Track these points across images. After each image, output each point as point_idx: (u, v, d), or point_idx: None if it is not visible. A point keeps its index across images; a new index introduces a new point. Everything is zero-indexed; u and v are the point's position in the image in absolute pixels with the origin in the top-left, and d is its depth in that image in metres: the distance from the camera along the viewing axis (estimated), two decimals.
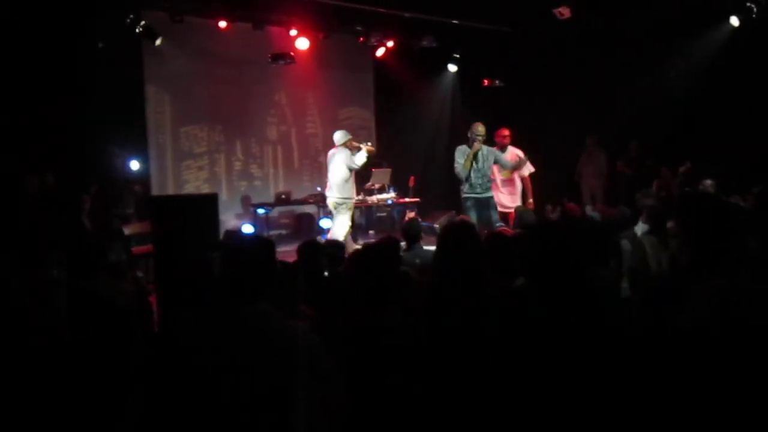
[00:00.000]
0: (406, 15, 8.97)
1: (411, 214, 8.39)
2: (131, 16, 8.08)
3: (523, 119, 8.91)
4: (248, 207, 9.67)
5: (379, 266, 2.62)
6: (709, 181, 6.40)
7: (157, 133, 9.22)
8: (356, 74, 10.89)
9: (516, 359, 1.87)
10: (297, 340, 1.90)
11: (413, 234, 4.79)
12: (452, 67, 10.76)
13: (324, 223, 8.85)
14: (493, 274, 2.78)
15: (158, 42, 8.39)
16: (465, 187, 6.66)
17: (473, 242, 2.67)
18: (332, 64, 10.33)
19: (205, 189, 9.34)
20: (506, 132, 7.30)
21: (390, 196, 9.33)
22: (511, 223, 6.57)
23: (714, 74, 7.83)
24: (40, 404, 1.82)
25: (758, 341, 1.71)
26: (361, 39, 9.77)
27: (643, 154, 8.67)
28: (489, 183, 6.74)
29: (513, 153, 7.28)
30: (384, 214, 10.24)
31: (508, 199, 7.35)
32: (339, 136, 7.48)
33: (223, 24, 8.87)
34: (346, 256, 4.30)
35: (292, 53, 9.20)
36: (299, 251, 4.00)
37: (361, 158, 7.29)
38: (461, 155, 6.61)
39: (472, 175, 6.56)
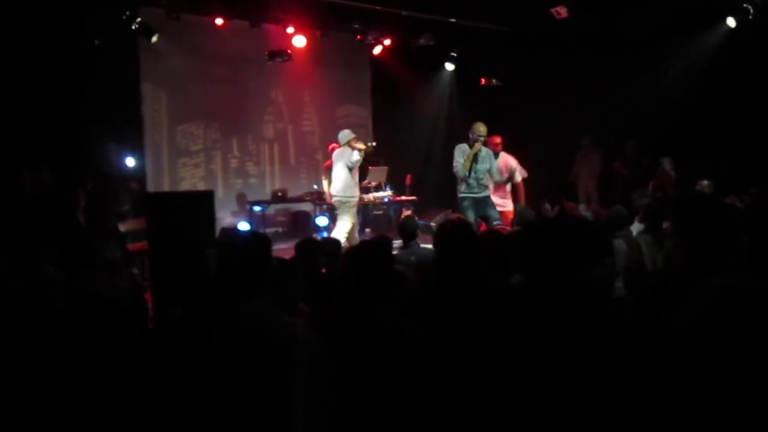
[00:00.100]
0: (404, 13, 8.96)
1: (407, 212, 8.38)
2: (127, 12, 8.05)
3: (520, 119, 8.93)
4: (244, 204, 9.66)
5: (370, 264, 2.62)
6: (706, 182, 6.42)
7: (153, 131, 9.19)
8: (353, 72, 10.88)
9: (514, 357, 1.87)
10: (294, 337, 1.90)
11: (409, 232, 4.79)
12: (449, 66, 10.75)
13: (320, 220, 8.85)
14: (490, 271, 2.78)
15: (154, 39, 8.36)
16: (462, 187, 6.66)
17: (469, 240, 2.67)
18: (329, 62, 10.31)
19: (202, 186, 9.33)
20: (498, 140, 7.30)
21: (386, 194, 9.33)
22: (505, 221, 6.61)
23: (711, 75, 7.85)
24: (37, 403, 1.81)
25: (754, 342, 1.72)
26: (359, 37, 9.75)
27: (639, 154, 8.69)
28: (487, 182, 6.75)
29: (505, 160, 7.30)
30: (380, 212, 10.24)
31: (499, 201, 7.38)
32: (342, 136, 7.52)
33: (219, 21, 8.84)
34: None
35: (288, 51, 9.18)
36: (297, 248, 4.00)
37: (354, 156, 7.31)
38: (461, 154, 6.60)
39: (470, 174, 6.56)
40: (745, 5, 7.61)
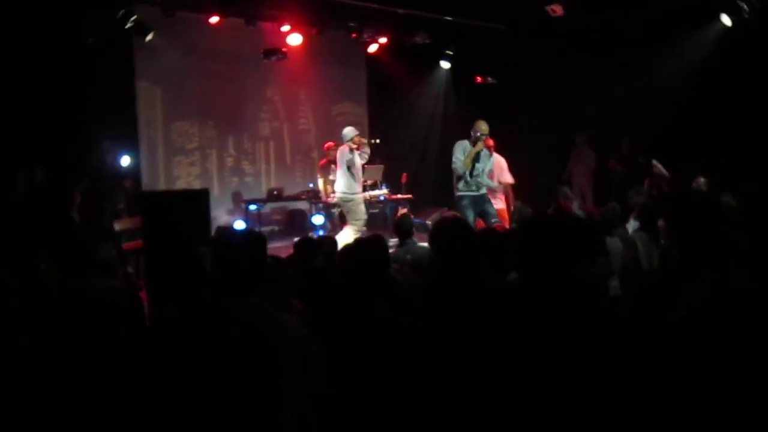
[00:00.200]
0: (399, 11, 8.95)
1: (403, 211, 8.39)
2: (122, 11, 8.02)
3: (515, 117, 8.94)
4: (240, 203, 9.64)
5: (366, 262, 2.61)
6: (702, 179, 6.45)
7: (148, 129, 9.16)
8: (349, 70, 10.87)
9: (512, 356, 1.87)
10: (288, 333, 1.90)
11: (405, 230, 4.79)
12: (445, 64, 10.75)
13: (316, 219, 8.85)
14: (487, 269, 2.78)
15: (149, 37, 8.33)
16: (460, 185, 6.64)
17: (466, 238, 2.67)
18: (325, 60, 10.30)
19: (197, 185, 9.30)
20: (490, 142, 7.31)
21: (382, 192, 9.33)
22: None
23: (706, 73, 7.87)
24: (31, 404, 1.81)
25: (748, 339, 1.72)
26: (354, 35, 9.74)
27: (634, 152, 8.71)
28: (484, 181, 6.76)
29: (498, 162, 7.31)
30: (376, 210, 10.23)
31: (492, 200, 7.40)
32: (345, 132, 7.54)
33: (215, 19, 8.82)
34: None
35: (284, 49, 9.16)
36: (296, 247, 4.00)
37: (347, 155, 7.36)
38: (462, 151, 6.59)
39: (471, 172, 6.57)
40: (739, 3, 7.63)
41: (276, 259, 2.94)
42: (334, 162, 8.96)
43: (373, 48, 10.17)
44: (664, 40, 8.24)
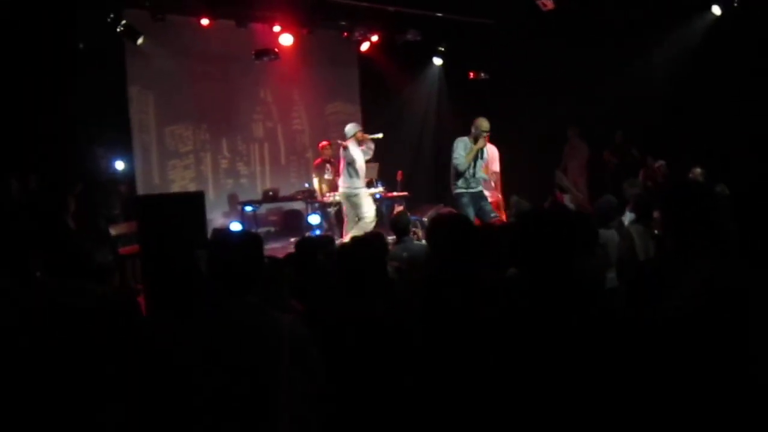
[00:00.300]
0: (390, 9, 8.94)
1: (399, 208, 8.40)
2: (111, 15, 7.99)
3: (509, 111, 8.94)
4: (235, 205, 9.62)
5: (365, 260, 2.61)
6: (698, 169, 6.47)
7: (141, 133, 9.14)
8: (341, 69, 10.85)
9: (511, 353, 1.86)
10: (287, 334, 1.90)
11: (402, 227, 4.80)
12: (437, 61, 10.75)
13: (312, 219, 8.84)
14: (485, 265, 2.77)
15: (140, 41, 8.30)
16: (459, 182, 6.65)
17: (462, 234, 2.66)
18: (317, 60, 10.29)
19: (192, 188, 9.27)
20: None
21: (378, 190, 9.31)
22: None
23: (697, 63, 7.89)
24: (24, 409, 1.80)
25: (743, 329, 1.73)
26: (345, 34, 9.73)
27: (628, 143, 8.73)
28: (482, 176, 6.81)
29: (491, 151, 7.32)
30: None
31: (486, 192, 7.42)
32: (348, 129, 7.61)
33: (205, 22, 8.80)
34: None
35: (276, 49, 9.14)
36: (297, 246, 4.00)
37: (341, 151, 7.38)
38: (463, 148, 6.60)
39: (473, 171, 6.62)
40: None
41: (273, 260, 2.94)
42: (329, 161, 8.97)
43: (365, 46, 10.16)
44: (654, 30, 8.26)
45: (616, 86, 8.35)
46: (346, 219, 7.79)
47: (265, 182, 10.18)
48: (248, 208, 9.22)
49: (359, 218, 7.47)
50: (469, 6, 8.91)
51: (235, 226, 8.40)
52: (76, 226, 6.50)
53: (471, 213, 6.47)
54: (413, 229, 6.16)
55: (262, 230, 9.36)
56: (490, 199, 7.07)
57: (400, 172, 9.44)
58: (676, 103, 7.98)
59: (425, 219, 8.06)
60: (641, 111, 8.29)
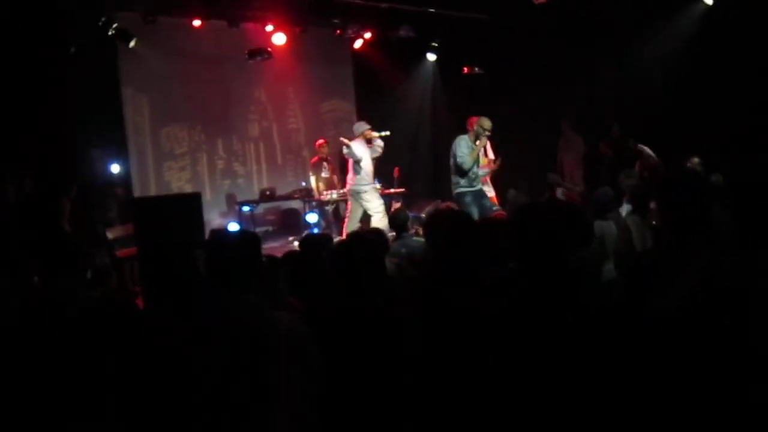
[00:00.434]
0: (383, 5, 8.92)
1: (397, 205, 8.40)
2: (103, 18, 7.97)
3: (504, 106, 8.93)
4: (233, 205, 9.62)
5: (364, 257, 2.61)
6: (696, 159, 6.47)
7: (136, 135, 9.11)
8: (335, 67, 10.83)
9: (511, 349, 1.86)
10: (286, 332, 1.90)
11: (400, 224, 4.80)
12: (431, 56, 10.73)
13: (310, 217, 8.83)
14: (484, 259, 2.76)
15: (132, 43, 8.28)
16: (462, 181, 6.67)
17: (460, 230, 2.66)
18: (311, 58, 10.27)
19: (188, 189, 9.25)
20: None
21: (375, 187, 9.31)
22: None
23: (690, 53, 7.90)
24: (24, 409, 1.80)
25: (741, 320, 1.72)
26: (338, 31, 9.70)
27: (624, 135, 8.73)
28: (480, 173, 6.87)
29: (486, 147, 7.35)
30: None
31: (485, 187, 7.45)
32: (355, 128, 7.69)
33: (197, 23, 8.78)
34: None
35: (269, 49, 9.12)
36: (301, 244, 4.01)
37: (344, 149, 7.39)
38: (466, 146, 6.63)
39: (472, 167, 6.66)
40: None
41: (270, 258, 2.94)
42: (326, 159, 8.97)
43: (358, 44, 10.13)
44: (648, 22, 8.26)
45: (611, 79, 8.35)
46: (346, 217, 7.78)
47: (261, 182, 10.16)
48: (246, 208, 9.21)
49: (370, 215, 7.47)
50: (462, 1, 8.89)
51: (233, 227, 8.39)
52: (72, 230, 6.49)
53: (475, 212, 6.49)
54: (415, 225, 6.17)
55: (260, 230, 9.35)
56: (489, 194, 7.12)
57: (396, 169, 9.44)
58: (671, 94, 7.98)
59: (423, 215, 8.07)
60: (637, 103, 8.30)
